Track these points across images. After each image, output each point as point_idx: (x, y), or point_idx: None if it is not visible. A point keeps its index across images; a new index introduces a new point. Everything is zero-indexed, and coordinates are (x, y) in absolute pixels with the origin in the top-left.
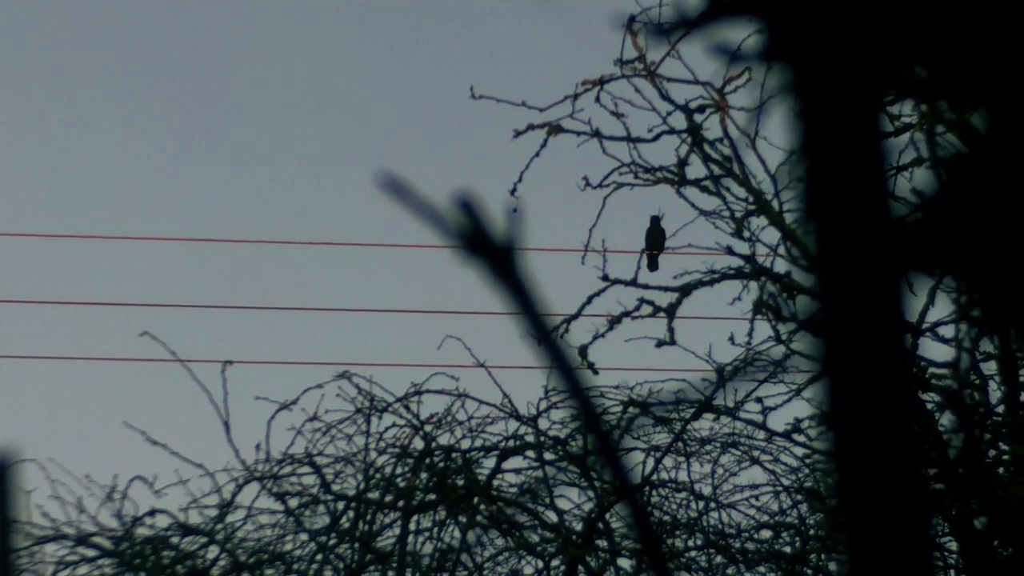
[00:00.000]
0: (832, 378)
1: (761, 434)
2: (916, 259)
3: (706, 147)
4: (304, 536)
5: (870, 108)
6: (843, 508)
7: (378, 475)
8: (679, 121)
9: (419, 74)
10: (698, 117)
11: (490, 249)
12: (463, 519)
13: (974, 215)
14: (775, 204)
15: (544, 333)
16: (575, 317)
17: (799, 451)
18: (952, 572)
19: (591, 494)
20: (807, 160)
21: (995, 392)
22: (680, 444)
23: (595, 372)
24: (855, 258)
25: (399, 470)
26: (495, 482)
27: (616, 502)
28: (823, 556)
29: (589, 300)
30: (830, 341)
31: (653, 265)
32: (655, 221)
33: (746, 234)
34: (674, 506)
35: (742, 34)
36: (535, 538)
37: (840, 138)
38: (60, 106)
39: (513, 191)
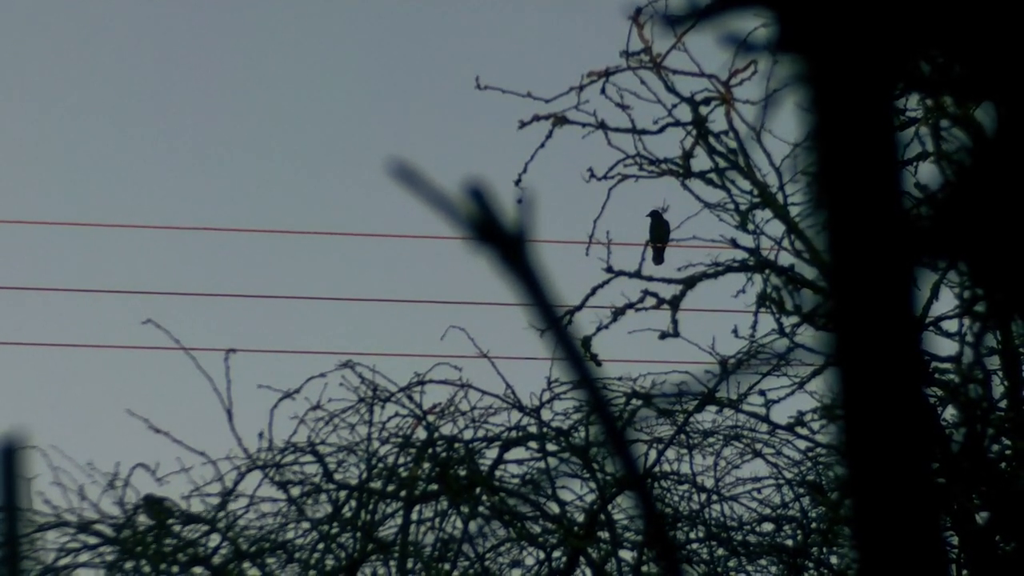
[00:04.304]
0: (840, 371)
1: (764, 427)
2: (920, 253)
3: (711, 140)
4: (306, 525)
5: (880, 99)
6: (850, 502)
7: (380, 465)
8: (684, 113)
9: (424, 64)
10: (703, 110)
11: (500, 238)
12: (465, 509)
13: (979, 210)
14: (780, 197)
15: (554, 322)
16: (579, 309)
17: (802, 444)
18: (953, 567)
19: (593, 485)
20: (816, 152)
21: (998, 387)
22: (683, 436)
23: (598, 364)
24: (864, 250)
25: (401, 460)
26: (497, 473)
27: (619, 492)
28: (825, 549)
29: (593, 292)
30: (838, 333)
31: (659, 259)
32: (657, 215)
33: (750, 227)
34: (676, 498)
35: (750, 25)
36: (537, 529)
37: (850, 129)
38: (67, 95)
39: (518, 182)
